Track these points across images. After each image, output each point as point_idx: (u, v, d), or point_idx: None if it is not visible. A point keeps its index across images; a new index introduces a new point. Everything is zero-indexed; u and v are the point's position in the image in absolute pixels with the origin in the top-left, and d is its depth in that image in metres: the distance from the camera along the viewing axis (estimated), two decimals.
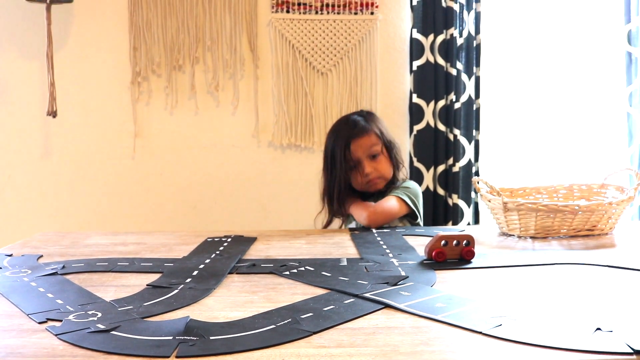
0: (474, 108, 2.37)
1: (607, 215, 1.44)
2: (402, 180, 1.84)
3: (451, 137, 2.34)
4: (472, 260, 1.16)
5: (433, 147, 2.35)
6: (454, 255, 1.16)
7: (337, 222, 1.87)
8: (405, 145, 2.37)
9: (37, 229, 2.08)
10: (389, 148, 1.80)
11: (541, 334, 0.71)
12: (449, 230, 1.67)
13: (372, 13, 2.38)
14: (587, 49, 2.53)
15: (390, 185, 1.80)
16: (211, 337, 0.72)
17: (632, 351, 0.65)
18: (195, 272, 1.07)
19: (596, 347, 0.67)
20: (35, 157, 2.39)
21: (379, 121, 1.84)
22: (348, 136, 1.76)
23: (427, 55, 2.33)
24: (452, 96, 2.33)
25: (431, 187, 2.34)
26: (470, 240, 1.17)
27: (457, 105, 2.33)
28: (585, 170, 2.52)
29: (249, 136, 2.42)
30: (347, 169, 1.76)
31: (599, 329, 0.73)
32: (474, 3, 2.34)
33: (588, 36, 2.52)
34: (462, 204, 2.36)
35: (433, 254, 1.15)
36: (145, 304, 0.88)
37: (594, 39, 2.52)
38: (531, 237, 1.42)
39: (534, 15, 2.52)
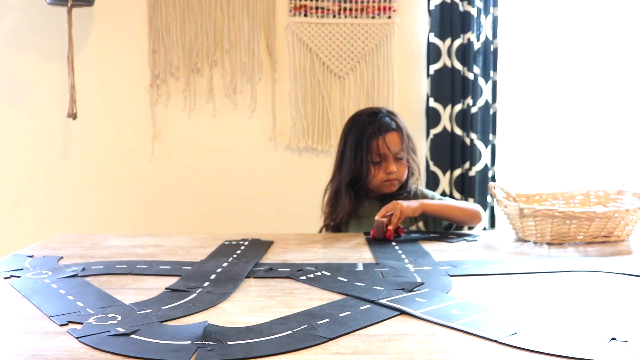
0: (491, 112, 2.36)
1: (623, 222, 1.43)
2: (415, 186, 1.79)
3: (467, 141, 2.33)
4: (402, 234, 1.55)
5: (449, 152, 2.35)
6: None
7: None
8: (421, 149, 2.37)
9: (56, 230, 2.11)
10: (412, 154, 1.76)
11: (555, 343, 0.72)
12: (453, 233, 1.67)
13: (389, 17, 2.39)
14: (605, 53, 2.51)
15: (402, 189, 1.76)
16: (229, 342, 0.73)
17: None
18: (212, 276, 1.09)
19: (611, 357, 0.67)
20: (55, 159, 2.43)
21: (406, 126, 1.79)
22: (383, 128, 1.70)
23: (444, 60, 2.33)
24: (469, 100, 2.32)
25: (447, 192, 2.33)
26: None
27: (473, 110, 2.33)
28: (603, 176, 2.50)
29: (266, 139, 2.44)
30: (370, 161, 1.71)
31: (614, 338, 0.73)
32: (491, 7, 2.34)
33: (607, 40, 2.50)
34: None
35: (388, 235, 1.48)
36: (163, 307, 0.89)
37: (613, 43, 2.50)
38: (547, 244, 1.42)
39: (552, 20, 2.50)
